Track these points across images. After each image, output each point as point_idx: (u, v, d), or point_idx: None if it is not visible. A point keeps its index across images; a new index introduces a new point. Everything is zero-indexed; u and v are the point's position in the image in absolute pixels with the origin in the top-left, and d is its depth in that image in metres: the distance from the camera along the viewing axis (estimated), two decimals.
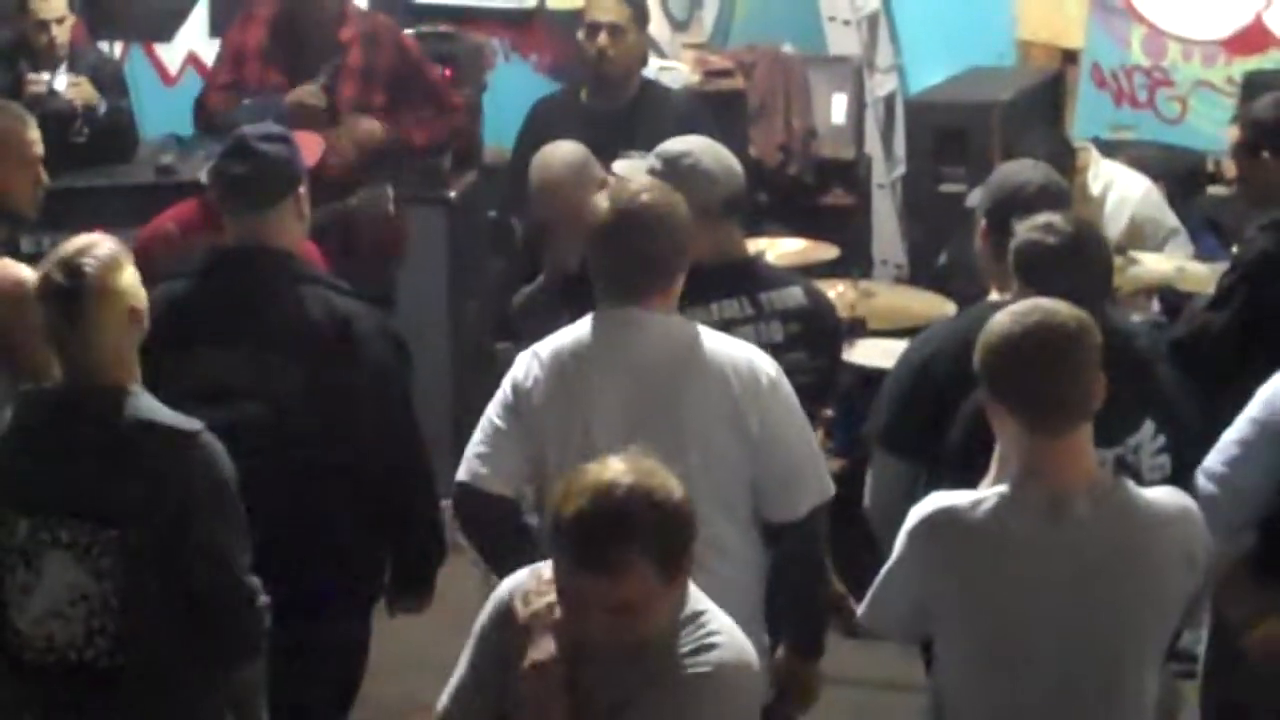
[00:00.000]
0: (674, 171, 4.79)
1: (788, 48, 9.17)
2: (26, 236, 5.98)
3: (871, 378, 5.82)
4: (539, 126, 7.11)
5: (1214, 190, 8.45)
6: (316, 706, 4.82)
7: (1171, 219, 7.29)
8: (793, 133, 8.99)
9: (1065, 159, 6.94)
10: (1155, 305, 6.74)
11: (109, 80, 7.85)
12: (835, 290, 6.69)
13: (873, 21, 9.25)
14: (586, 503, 3.22)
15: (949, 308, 6.60)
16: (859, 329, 6.72)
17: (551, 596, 3.37)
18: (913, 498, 4.00)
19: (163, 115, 8.47)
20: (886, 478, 4.61)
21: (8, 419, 4.25)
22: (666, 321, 4.36)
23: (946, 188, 8.19)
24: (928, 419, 4.44)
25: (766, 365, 4.34)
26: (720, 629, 3.38)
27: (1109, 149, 7.86)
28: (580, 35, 7.28)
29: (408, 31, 8.06)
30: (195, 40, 9.11)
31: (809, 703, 4.59)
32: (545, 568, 3.43)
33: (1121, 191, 7.27)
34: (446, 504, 4.54)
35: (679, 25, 9.53)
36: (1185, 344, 5.22)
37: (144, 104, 8.42)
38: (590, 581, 3.22)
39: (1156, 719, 3.92)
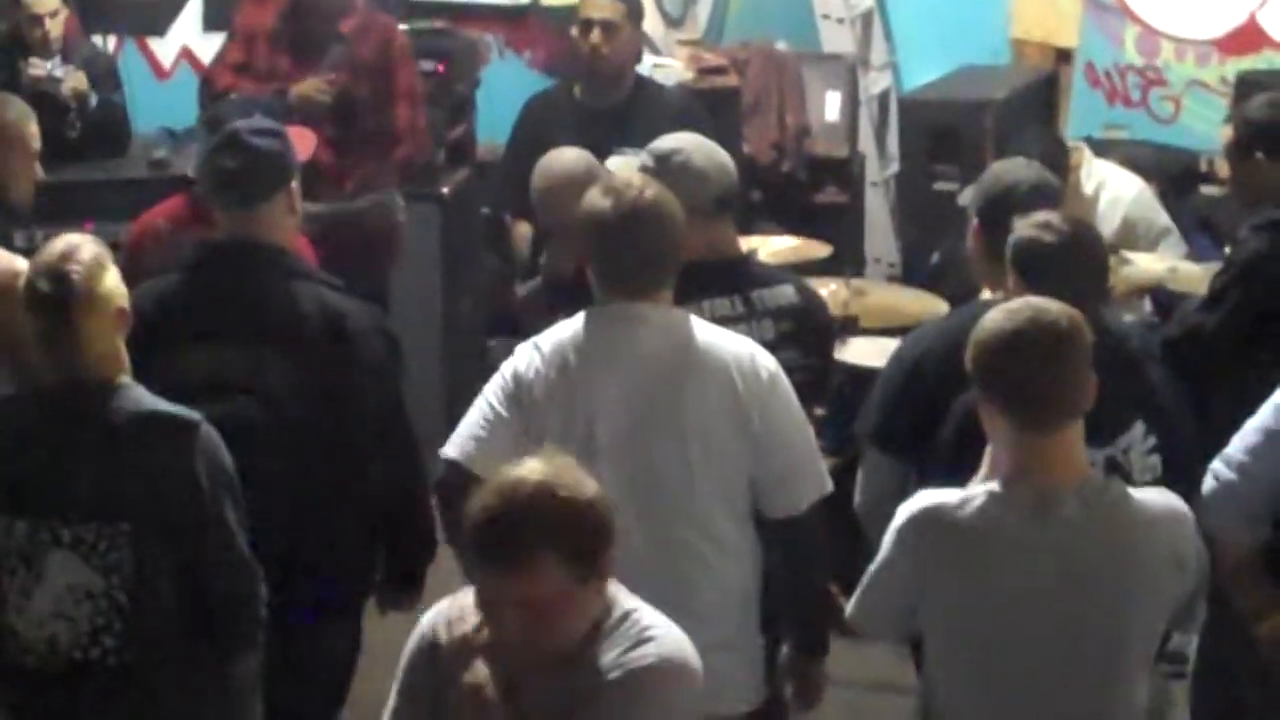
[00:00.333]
0: (665, 169, 4.79)
1: (781, 45, 9.17)
2: (20, 230, 5.97)
3: (863, 376, 5.81)
4: (533, 123, 7.12)
5: (1207, 190, 8.45)
6: (307, 705, 4.82)
7: (1164, 219, 7.28)
8: (786, 130, 8.99)
9: (1058, 158, 6.92)
10: (1147, 305, 6.74)
11: (102, 74, 7.85)
12: (828, 288, 6.68)
13: (866, 19, 9.25)
14: (493, 500, 3.22)
15: (941, 306, 6.60)
16: (851, 327, 6.72)
17: (475, 620, 3.36)
18: (904, 496, 4.00)
19: (156, 109, 8.48)
20: (877, 476, 4.61)
21: None
22: (668, 316, 4.37)
23: (940, 186, 8.20)
24: (919, 417, 4.44)
25: (767, 360, 4.36)
26: (655, 624, 3.35)
27: (1102, 148, 7.86)
28: (574, 32, 7.27)
29: (401, 27, 8.05)
30: (189, 34, 9.12)
31: (816, 700, 4.60)
32: (466, 595, 3.42)
33: (1114, 191, 7.26)
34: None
35: (673, 22, 9.53)
36: (1177, 344, 5.21)
37: (137, 98, 8.41)
38: (498, 579, 3.21)
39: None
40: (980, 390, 3.80)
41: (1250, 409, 4.54)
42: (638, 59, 7.39)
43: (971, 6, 9.39)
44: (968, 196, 5.03)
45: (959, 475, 3.93)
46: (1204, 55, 8.99)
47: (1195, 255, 7.18)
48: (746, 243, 5.88)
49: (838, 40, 9.13)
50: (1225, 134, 5.81)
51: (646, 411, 4.27)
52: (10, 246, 5.16)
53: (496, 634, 3.29)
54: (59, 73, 7.56)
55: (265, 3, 7.28)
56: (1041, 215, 4.45)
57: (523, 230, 6.61)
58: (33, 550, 4.14)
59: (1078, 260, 4.36)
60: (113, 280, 4.21)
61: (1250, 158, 5.55)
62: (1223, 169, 6.32)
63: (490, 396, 4.35)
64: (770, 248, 7.15)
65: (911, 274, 8.40)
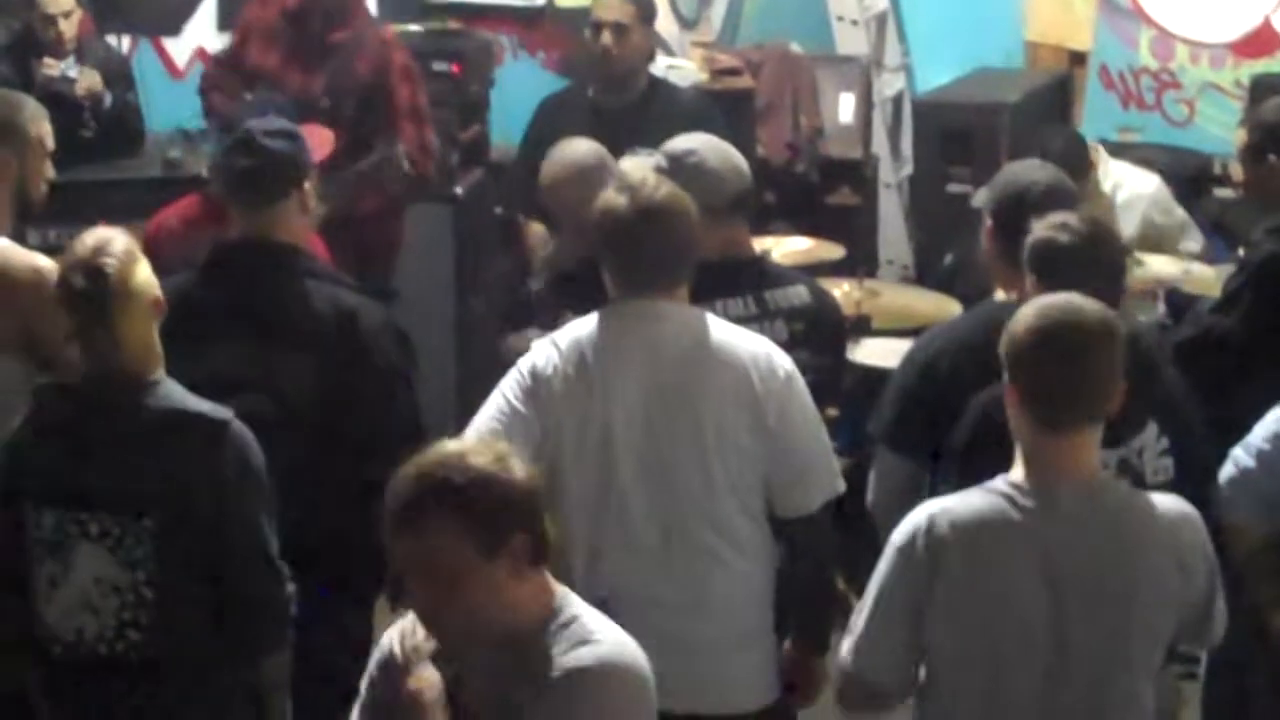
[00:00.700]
0: (680, 169, 4.80)
1: (795, 47, 9.16)
2: (33, 230, 5.99)
3: (876, 377, 5.81)
4: (546, 124, 7.11)
5: (1221, 193, 8.44)
6: (318, 702, 4.81)
7: (1182, 211, 7.31)
8: (800, 132, 8.98)
9: (1080, 154, 6.95)
10: (1161, 307, 6.74)
11: (116, 74, 7.87)
12: (841, 289, 6.69)
13: (881, 21, 9.24)
14: (409, 468, 3.22)
15: (954, 308, 6.60)
16: (864, 328, 6.72)
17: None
18: (916, 497, 4.00)
19: (170, 109, 8.47)
20: (890, 477, 4.61)
21: (30, 411, 4.29)
22: (685, 314, 4.39)
23: (953, 188, 8.19)
24: (931, 418, 4.44)
25: (784, 360, 4.37)
26: (599, 629, 3.31)
27: (1116, 151, 7.86)
28: (586, 33, 7.28)
29: (414, 28, 8.05)
30: (203, 34, 9.12)
31: (815, 697, 4.59)
32: None
33: (1132, 190, 7.28)
34: None
35: (687, 24, 9.53)
36: (1190, 346, 5.22)
37: (152, 98, 8.42)
38: (403, 544, 3.20)
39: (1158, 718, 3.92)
40: (1008, 378, 3.78)
41: (1263, 412, 4.55)
42: (650, 60, 7.39)
43: (986, 9, 9.38)
44: (981, 198, 5.03)
45: (971, 476, 3.91)
46: (1218, 58, 8.98)
47: (1209, 258, 7.18)
48: (760, 244, 5.89)
49: (852, 42, 9.12)
50: (1239, 137, 5.81)
51: (663, 409, 4.29)
52: (24, 245, 5.18)
53: (412, 607, 3.29)
54: (73, 73, 7.58)
55: (269, 1, 7.26)
56: (1059, 216, 4.44)
57: (536, 230, 6.61)
58: (61, 541, 4.17)
59: (1095, 260, 4.36)
60: (145, 272, 4.24)
61: (1264, 161, 5.55)
62: (1237, 172, 6.31)
63: (507, 392, 4.35)
64: (783, 249, 7.15)
65: (925, 275, 8.40)
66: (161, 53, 9.38)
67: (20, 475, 4.26)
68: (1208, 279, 6.41)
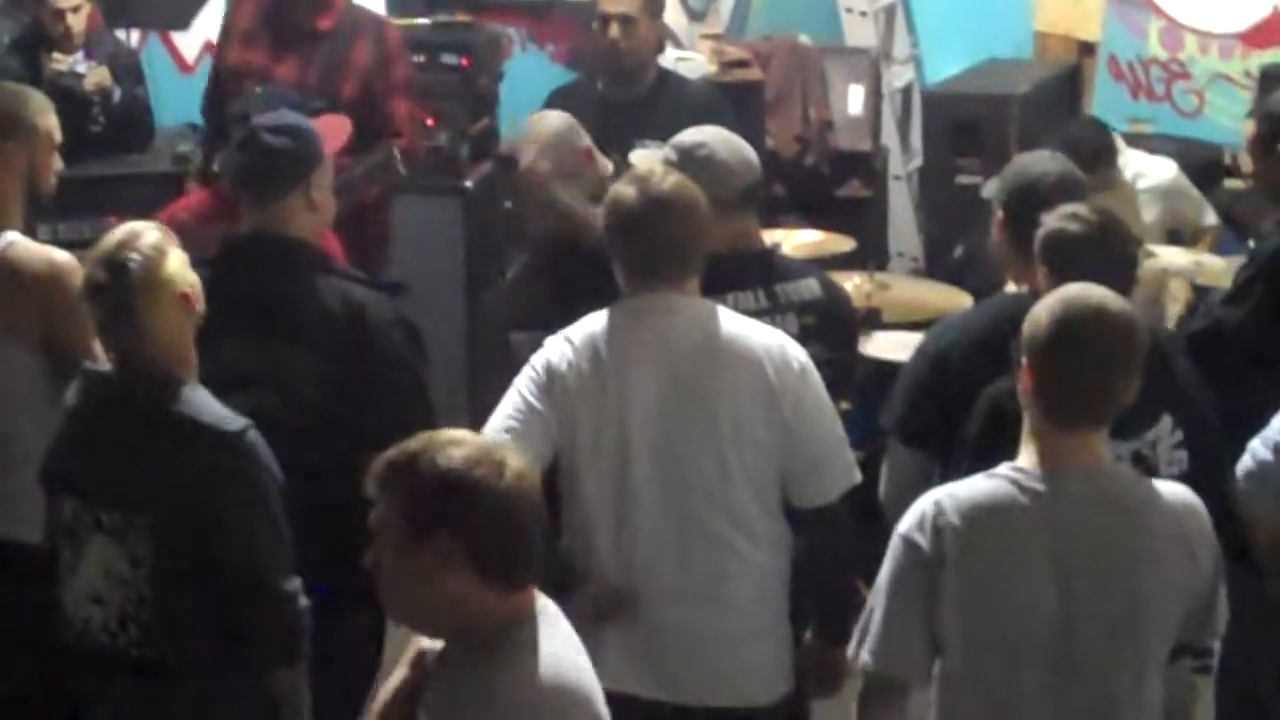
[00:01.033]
0: (689, 162, 4.79)
1: (804, 39, 9.16)
2: (43, 224, 5.98)
3: (887, 370, 5.81)
4: None
5: (1230, 184, 8.45)
6: (330, 702, 4.81)
7: (1196, 191, 7.33)
8: (809, 124, 8.98)
9: (1107, 142, 6.96)
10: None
11: (125, 69, 7.87)
12: (851, 282, 6.69)
13: (890, 13, 9.25)
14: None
15: (965, 300, 6.59)
16: (875, 321, 6.72)
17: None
18: (929, 489, 3.99)
19: (179, 104, 8.49)
20: (902, 470, 4.61)
21: (70, 395, 4.31)
22: (697, 306, 4.39)
23: (963, 180, 8.21)
24: (943, 411, 4.44)
25: (798, 352, 4.38)
26: (547, 645, 3.21)
27: (1126, 141, 7.86)
28: (595, 26, 7.28)
29: (422, 21, 8.03)
30: (212, 29, 9.09)
31: (835, 689, 4.59)
32: None
33: (1151, 178, 7.30)
34: None
35: (696, 16, 9.54)
36: (1201, 338, 5.21)
37: (161, 92, 8.44)
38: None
39: (1171, 713, 3.90)
40: (1025, 364, 3.76)
41: (1274, 404, 4.54)
42: (659, 52, 7.39)
43: (995, 0, 9.38)
44: (991, 189, 5.03)
45: (983, 468, 3.90)
46: (1228, 49, 8.98)
47: (1219, 249, 7.18)
48: (770, 236, 5.88)
49: (861, 34, 9.13)
50: (1248, 128, 5.80)
51: (678, 402, 4.30)
52: (33, 239, 5.18)
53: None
54: (82, 68, 7.58)
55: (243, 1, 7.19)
56: (1069, 206, 4.44)
57: None
58: (77, 529, 4.19)
59: (1106, 251, 4.35)
60: (175, 265, 4.21)
61: (1273, 152, 5.53)
62: (1246, 163, 6.30)
63: (522, 388, 4.36)
64: (794, 241, 7.16)
65: (935, 268, 8.41)
66: (170, 47, 9.40)
67: (50, 459, 4.30)
68: (1218, 270, 6.40)
